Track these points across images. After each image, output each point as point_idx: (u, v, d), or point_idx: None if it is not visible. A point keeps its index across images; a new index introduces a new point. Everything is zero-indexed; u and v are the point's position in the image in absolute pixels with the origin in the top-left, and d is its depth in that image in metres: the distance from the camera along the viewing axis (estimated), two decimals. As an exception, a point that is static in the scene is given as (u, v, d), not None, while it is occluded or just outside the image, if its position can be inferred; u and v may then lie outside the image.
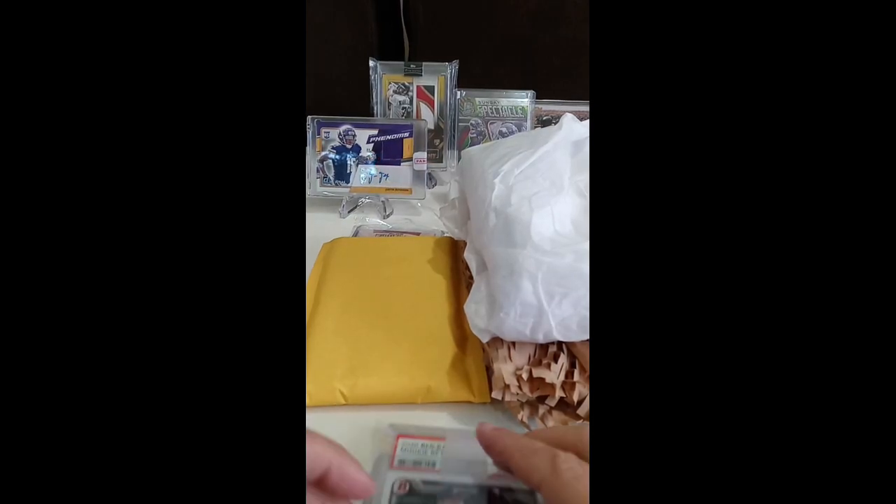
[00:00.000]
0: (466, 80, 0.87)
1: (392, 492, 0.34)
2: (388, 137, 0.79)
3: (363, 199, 0.82)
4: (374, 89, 0.87)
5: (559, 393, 0.44)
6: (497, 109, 0.86)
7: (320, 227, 0.72)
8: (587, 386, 0.45)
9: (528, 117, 0.86)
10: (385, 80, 0.87)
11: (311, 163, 0.79)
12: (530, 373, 0.45)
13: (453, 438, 0.38)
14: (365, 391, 0.47)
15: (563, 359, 0.47)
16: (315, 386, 0.47)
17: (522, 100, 0.85)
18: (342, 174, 0.80)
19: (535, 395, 0.45)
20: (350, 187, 0.80)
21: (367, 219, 0.79)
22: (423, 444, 0.37)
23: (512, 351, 0.48)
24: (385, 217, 0.80)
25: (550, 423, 0.45)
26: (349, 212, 0.81)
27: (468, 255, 0.57)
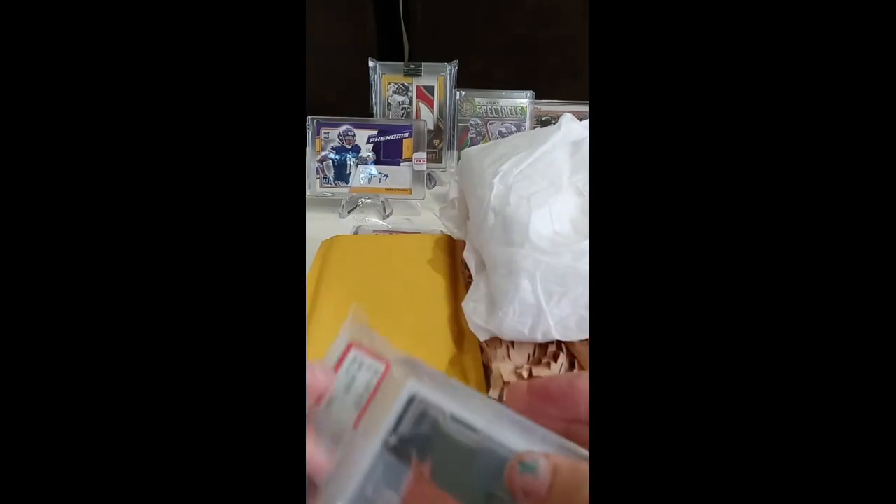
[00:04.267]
0: (466, 80, 0.87)
1: None
2: (388, 138, 0.79)
3: (363, 200, 0.82)
4: (373, 90, 0.87)
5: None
6: (496, 109, 0.86)
7: (320, 227, 0.72)
8: (586, 385, 0.45)
9: (527, 117, 0.86)
10: (384, 81, 0.87)
11: (311, 163, 0.79)
12: (530, 371, 0.45)
13: (396, 365, 0.37)
14: None
15: (562, 358, 0.47)
16: None
17: (521, 100, 0.86)
18: (342, 174, 0.80)
19: (535, 394, 0.45)
20: (350, 187, 0.81)
21: (366, 219, 0.80)
22: (369, 363, 0.36)
23: (511, 350, 0.48)
24: (385, 217, 0.80)
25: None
26: (349, 212, 0.81)
27: (467, 255, 0.57)
